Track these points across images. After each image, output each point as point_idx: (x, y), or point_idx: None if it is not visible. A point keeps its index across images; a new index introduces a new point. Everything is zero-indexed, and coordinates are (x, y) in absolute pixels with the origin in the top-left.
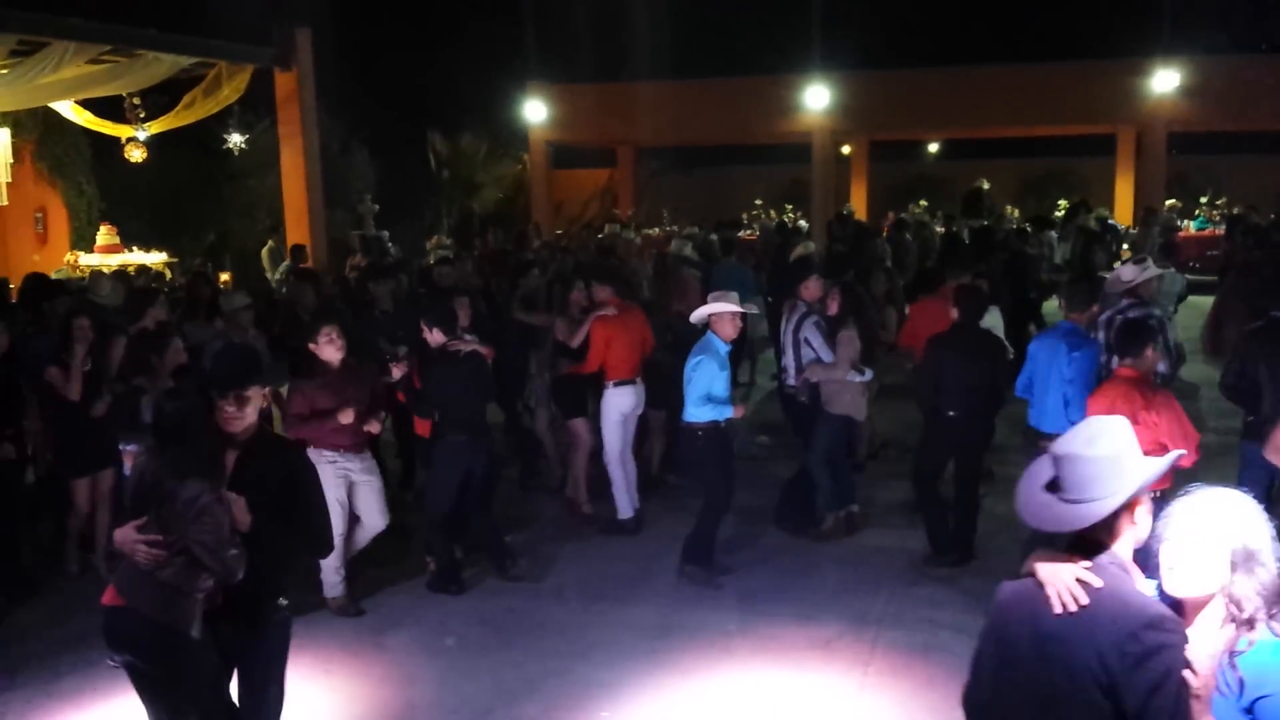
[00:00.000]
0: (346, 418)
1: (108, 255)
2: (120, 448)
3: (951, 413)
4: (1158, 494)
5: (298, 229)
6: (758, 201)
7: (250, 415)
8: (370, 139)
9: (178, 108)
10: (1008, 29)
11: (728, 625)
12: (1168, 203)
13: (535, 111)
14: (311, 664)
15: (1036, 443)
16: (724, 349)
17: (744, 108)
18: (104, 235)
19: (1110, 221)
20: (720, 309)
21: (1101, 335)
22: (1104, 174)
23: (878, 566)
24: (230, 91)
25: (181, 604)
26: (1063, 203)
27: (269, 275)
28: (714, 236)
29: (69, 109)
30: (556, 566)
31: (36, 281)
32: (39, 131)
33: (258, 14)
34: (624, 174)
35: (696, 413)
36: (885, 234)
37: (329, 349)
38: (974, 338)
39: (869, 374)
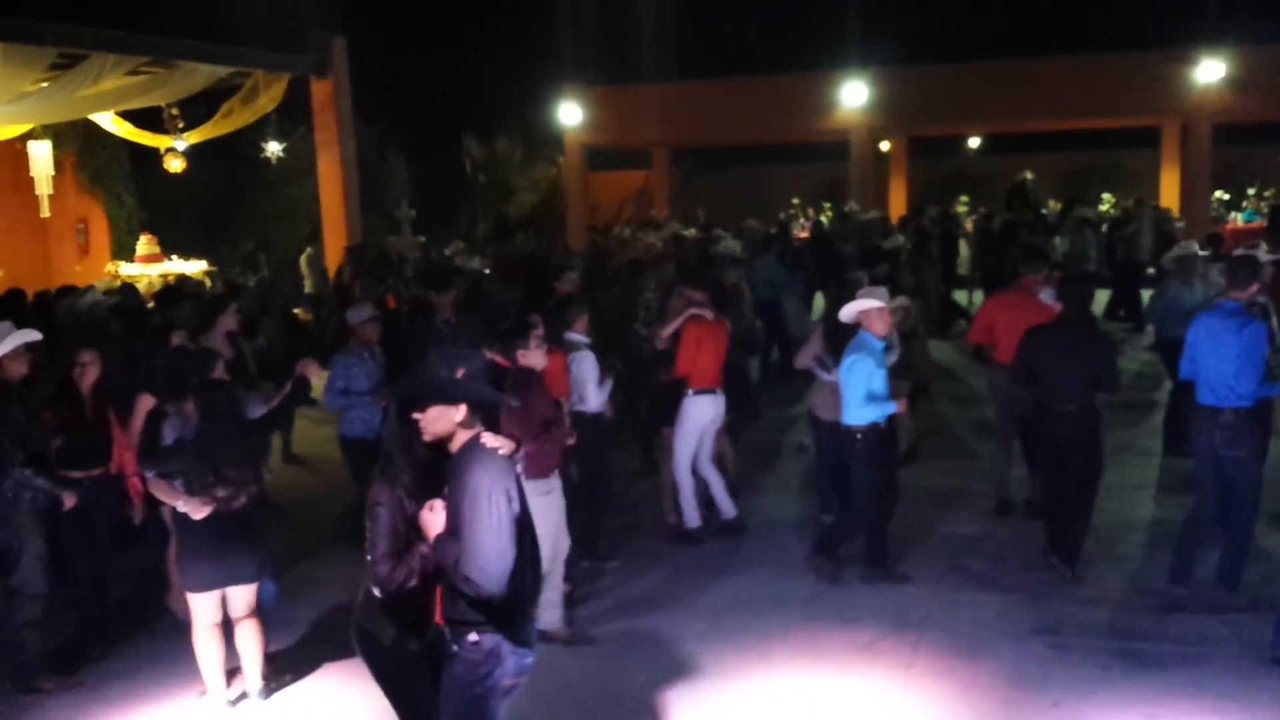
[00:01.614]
0: (568, 437)
1: (148, 265)
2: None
3: (1058, 408)
4: None
5: (335, 236)
6: (795, 200)
7: (433, 427)
8: (406, 145)
9: (216, 117)
10: (1047, 21)
11: (768, 629)
12: (1215, 195)
13: (570, 114)
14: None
15: (1215, 419)
16: (879, 346)
17: (779, 106)
18: (144, 245)
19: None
20: (870, 305)
21: None
22: (1149, 167)
23: (918, 565)
24: (267, 100)
25: (372, 606)
26: (1107, 196)
27: (306, 283)
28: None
29: (109, 120)
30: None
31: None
32: (79, 143)
33: (294, 23)
34: (659, 175)
35: (859, 414)
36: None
37: (539, 354)
38: (1082, 331)
39: (833, 374)
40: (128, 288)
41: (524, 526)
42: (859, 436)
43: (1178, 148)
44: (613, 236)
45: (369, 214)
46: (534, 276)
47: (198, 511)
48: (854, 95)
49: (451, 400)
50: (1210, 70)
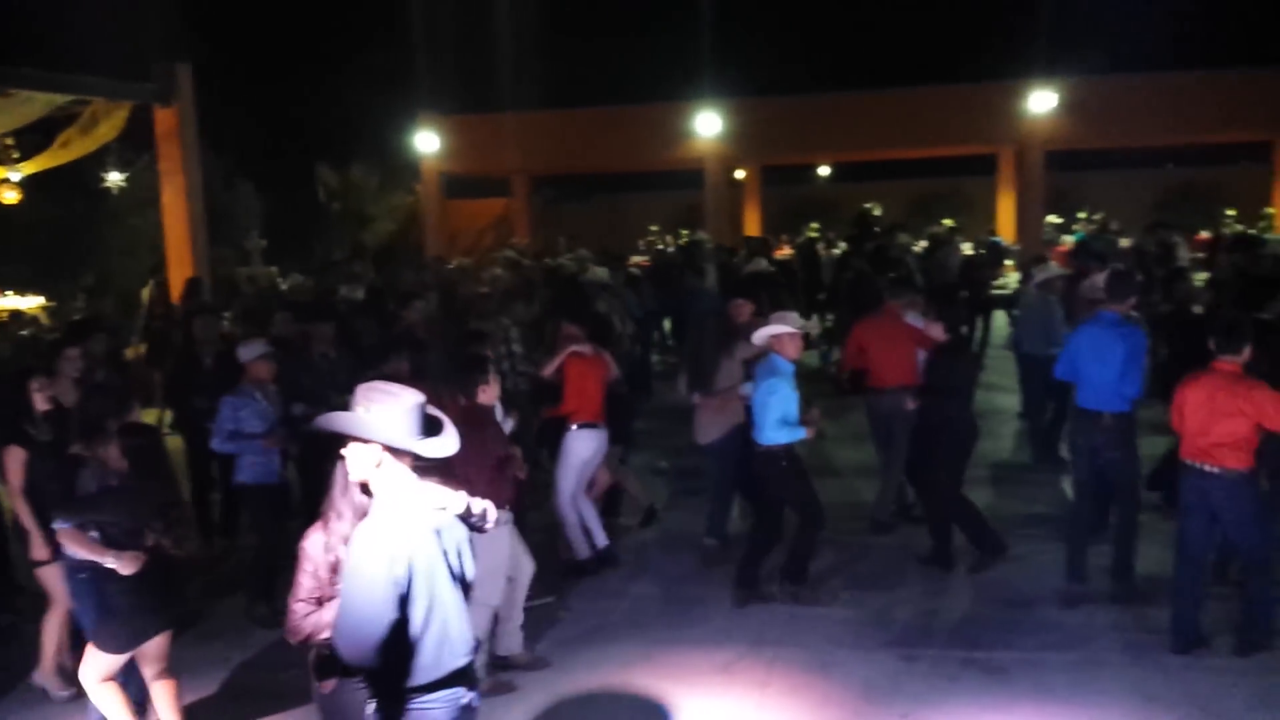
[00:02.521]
0: (520, 471)
1: None
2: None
3: (953, 416)
4: None
5: (181, 268)
6: (653, 228)
7: (352, 468)
8: (257, 174)
9: (53, 146)
10: (891, 54)
11: (627, 654)
12: (1047, 219)
13: (427, 142)
14: None
15: (1096, 422)
16: (790, 369)
17: (636, 135)
18: None
19: (995, 239)
20: (782, 330)
21: None
22: (987, 193)
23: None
24: (108, 129)
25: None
26: (947, 221)
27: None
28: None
29: None
30: None
31: None
32: None
33: (136, 50)
34: (519, 203)
35: (775, 436)
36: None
37: (493, 391)
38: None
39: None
40: None
41: (433, 590)
42: (782, 458)
43: (1013, 174)
44: (455, 267)
45: (218, 245)
46: (375, 307)
47: (128, 567)
48: (708, 125)
49: (363, 439)
50: (1042, 100)
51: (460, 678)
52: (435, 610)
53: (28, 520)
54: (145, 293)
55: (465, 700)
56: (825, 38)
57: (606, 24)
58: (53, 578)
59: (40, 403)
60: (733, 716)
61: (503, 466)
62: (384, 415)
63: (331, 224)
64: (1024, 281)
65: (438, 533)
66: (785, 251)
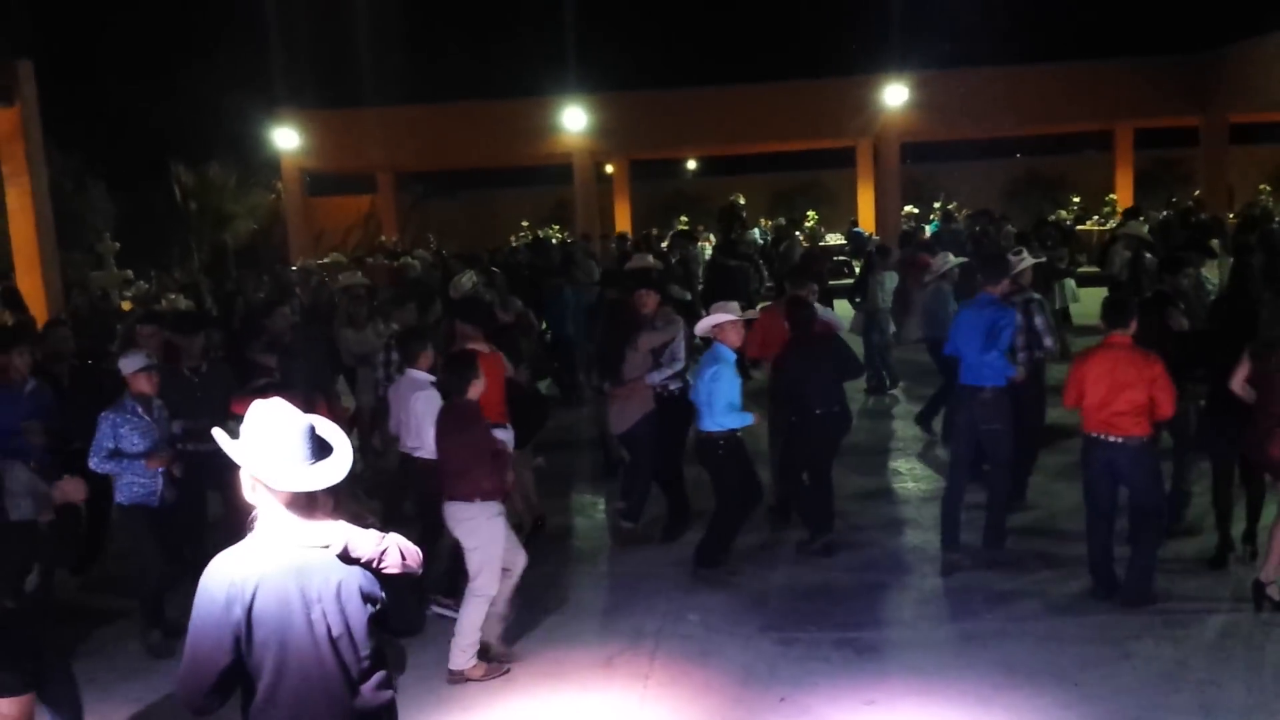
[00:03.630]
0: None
1: None
2: None
3: (819, 410)
4: None
5: (30, 274)
6: (524, 223)
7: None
8: (108, 173)
9: None
10: (752, 50)
11: (511, 654)
12: (905, 209)
13: (286, 139)
14: None
15: (975, 396)
16: (733, 357)
17: (502, 131)
18: None
19: (857, 230)
20: (724, 319)
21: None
22: (847, 185)
23: (654, 580)
24: None
25: None
26: (811, 214)
27: None
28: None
29: None
30: None
31: None
32: None
33: None
34: (385, 200)
35: (723, 421)
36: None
37: (479, 387)
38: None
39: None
40: None
41: (284, 643)
42: (721, 443)
43: (871, 166)
44: (310, 271)
45: (68, 249)
46: (223, 318)
47: None
48: (574, 120)
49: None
50: (895, 94)
51: None
52: (291, 661)
53: None
54: None
55: None
56: (687, 33)
57: (469, 18)
58: None
59: None
60: (616, 711)
61: (495, 460)
62: (253, 440)
63: (189, 224)
64: (868, 271)
65: (305, 575)
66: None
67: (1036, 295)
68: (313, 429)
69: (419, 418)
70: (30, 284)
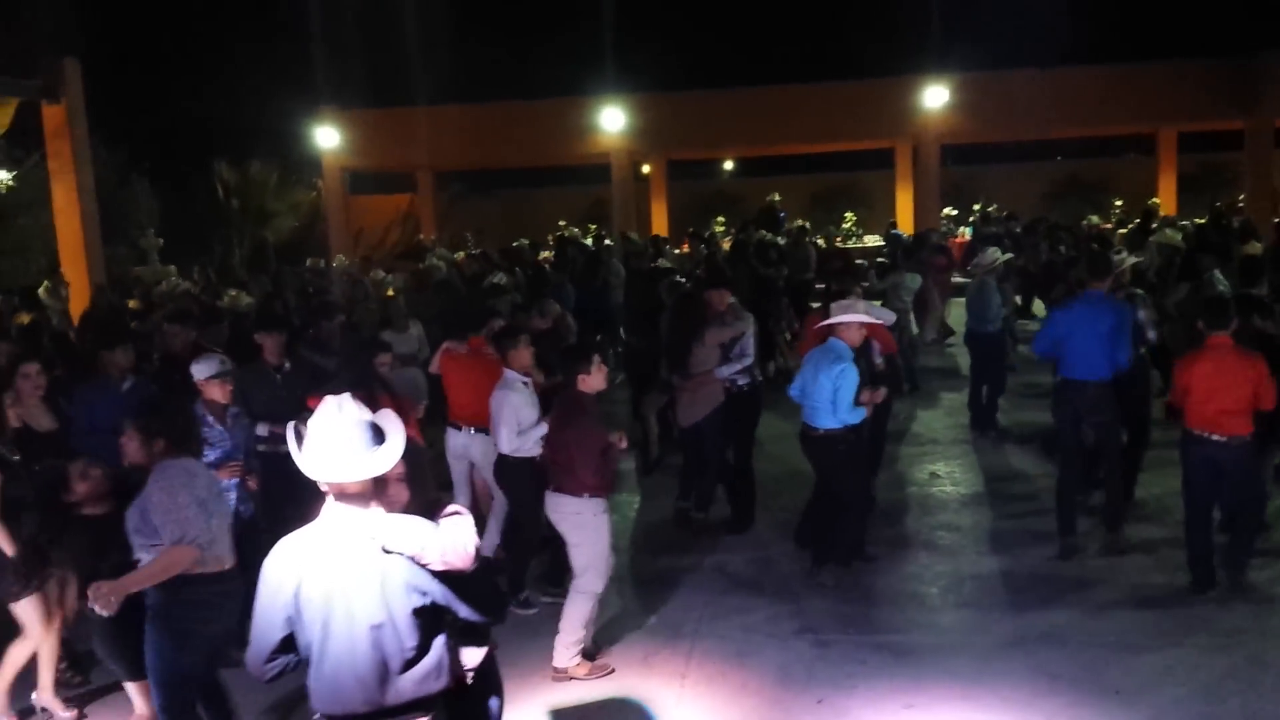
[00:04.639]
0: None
1: None
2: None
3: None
4: None
5: (76, 268)
6: (561, 222)
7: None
8: (151, 170)
9: None
10: (792, 51)
11: (548, 650)
12: (945, 211)
13: (327, 137)
14: None
15: (1080, 391)
16: (851, 354)
17: (541, 130)
18: None
19: (895, 232)
20: (858, 318)
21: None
22: (886, 186)
23: (691, 579)
24: None
25: None
26: (849, 215)
27: (51, 317)
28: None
29: None
30: None
31: None
32: None
33: (21, 45)
34: (425, 199)
35: (846, 418)
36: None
37: (599, 377)
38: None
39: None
40: None
41: (328, 624)
42: (843, 440)
43: (910, 168)
44: (346, 271)
45: (112, 243)
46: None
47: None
48: (612, 120)
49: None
50: (935, 96)
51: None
52: (330, 645)
53: (6, 545)
54: (42, 293)
55: None
56: (728, 34)
57: (509, 18)
58: (28, 608)
59: (13, 420)
60: (653, 710)
61: (605, 454)
62: (308, 434)
63: (231, 221)
64: (889, 272)
65: (349, 565)
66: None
67: (1139, 290)
68: (365, 422)
69: (498, 416)
70: (75, 277)
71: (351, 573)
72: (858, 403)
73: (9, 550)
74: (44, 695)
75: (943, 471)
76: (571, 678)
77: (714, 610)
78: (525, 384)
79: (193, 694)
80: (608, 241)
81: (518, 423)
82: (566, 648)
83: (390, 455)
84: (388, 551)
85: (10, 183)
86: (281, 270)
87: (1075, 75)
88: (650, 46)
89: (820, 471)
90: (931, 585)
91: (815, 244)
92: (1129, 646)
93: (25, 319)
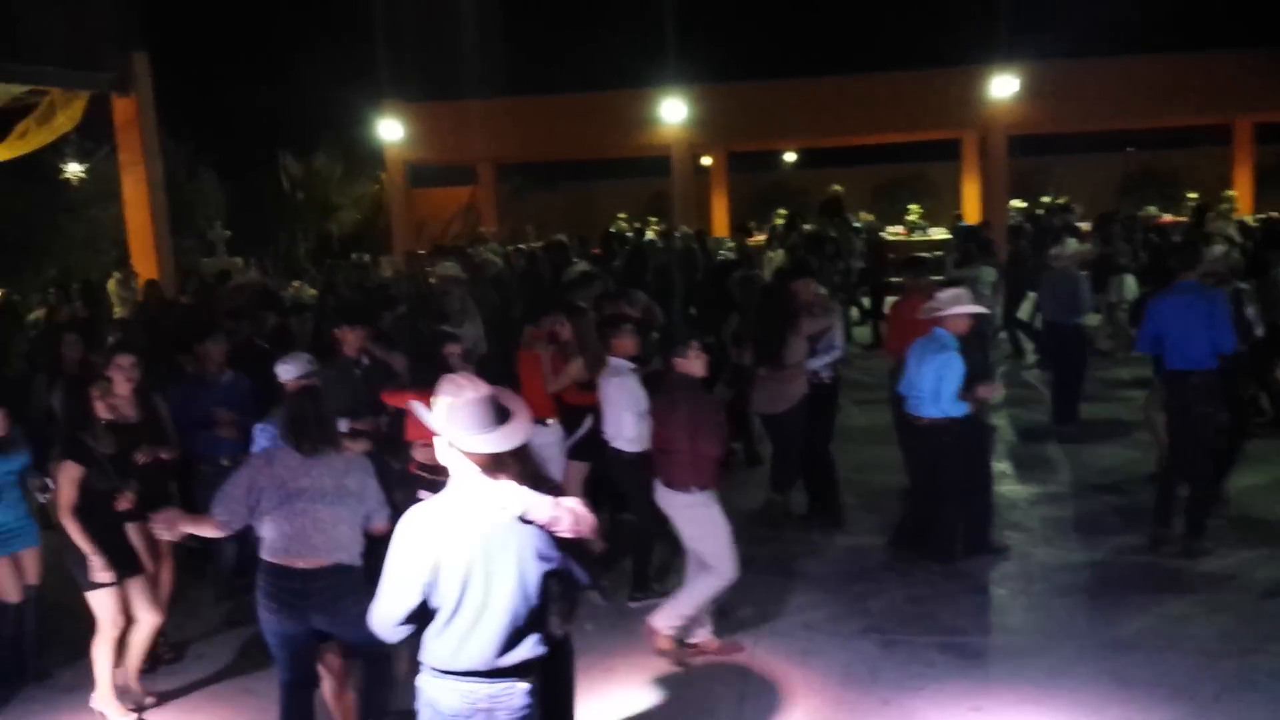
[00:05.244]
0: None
1: None
2: None
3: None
4: None
5: (145, 260)
6: (621, 215)
7: None
8: (219, 163)
9: (10, 138)
10: (854, 40)
11: (611, 645)
12: (1012, 203)
13: (390, 131)
14: None
15: (1186, 381)
16: (956, 344)
17: (601, 122)
18: None
19: (962, 224)
20: (967, 309)
21: None
22: (951, 178)
23: (752, 575)
24: (65, 120)
25: None
26: (913, 207)
27: (117, 308)
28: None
29: None
30: None
31: None
32: None
33: (92, 39)
34: (486, 191)
35: (949, 409)
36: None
37: (699, 363)
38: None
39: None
40: None
41: (464, 588)
42: (948, 430)
43: (977, 159)
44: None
45: (180, 235)
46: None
47: None
48: (673, 112)
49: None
50: (1003, 85)
51: (479, 677)
52: (464, 608)
53: (81, 541)
54: (111, 285)
55: (481, 703)
56: (789, 23)
57: (571, 10)
58: (104, 602)
59: (103, 411)
60: (714, 707)
61: (719, 424)
62: (444, 407)
63: (296, 213)
64: (962, 265)
65: (486, 533)
66: (759, 239)
67: (1244, 285)
68: (495, 398)
69: (612, 405)
70: (145, 269)
71: (490, 542)
72: (978, 397)
73: (84, 546)
74: (101, 699)
75: (1009, 470)
76: (703, 652)
77: (777, 608)
78: (633, 369)
79: None
80: (648, 235)
81: (638, 406)
82: (673, 614)
83: (525, 425)
84: (525, 521)
85: (82, 174)
86: (336, 264)
87: (1146, 64)
88: (711, 36)
89: (921, 463)
90: (1000, 586)
91: (878, 237)
92: (1205, 652)
93: (84, 314)
